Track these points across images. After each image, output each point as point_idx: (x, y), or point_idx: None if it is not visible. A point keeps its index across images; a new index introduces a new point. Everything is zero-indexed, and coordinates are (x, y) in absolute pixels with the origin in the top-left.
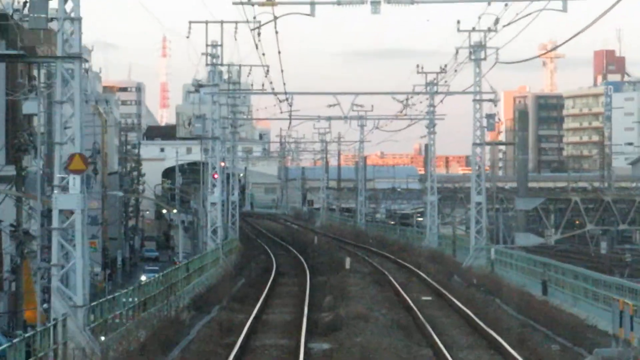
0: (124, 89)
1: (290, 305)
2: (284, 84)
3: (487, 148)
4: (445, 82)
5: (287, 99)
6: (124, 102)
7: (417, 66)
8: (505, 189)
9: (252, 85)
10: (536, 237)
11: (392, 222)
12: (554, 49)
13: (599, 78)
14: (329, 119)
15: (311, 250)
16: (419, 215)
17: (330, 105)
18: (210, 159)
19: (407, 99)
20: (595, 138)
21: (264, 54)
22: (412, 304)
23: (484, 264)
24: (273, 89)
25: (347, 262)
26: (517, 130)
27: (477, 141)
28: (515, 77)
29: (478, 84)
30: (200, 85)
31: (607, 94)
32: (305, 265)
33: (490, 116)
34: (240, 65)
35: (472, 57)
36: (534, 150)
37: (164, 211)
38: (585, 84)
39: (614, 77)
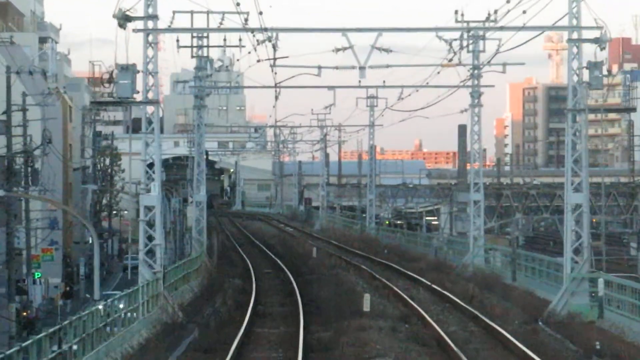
0: None
1: None
2: (264, 26)
3: (494, 140)
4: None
5: (269, 38)
6: (110, 95)
7: (456, 13)
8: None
9: (233, 55)
10: None
11: (400, 222)
12: None
13: (615, 67)
14: (333, 85)
15: (309, 271)
16: (429, 214)
17: (337, 50)
18: (144, 136)
19: (463, 34)
20: (612, 130)
21: None
22: None
23: (587, 305)
24: (249, 29)
25: (366, 301)
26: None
27: (576, 106)
28: (520, 71)
29: (576, 14)
30: (128, 19)
31: (625, 84)
32: (300, 299)
33: (595, 65)
34: (208, 12)
35: None
36: (543, 144)
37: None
38: None
39: (631, 66)
